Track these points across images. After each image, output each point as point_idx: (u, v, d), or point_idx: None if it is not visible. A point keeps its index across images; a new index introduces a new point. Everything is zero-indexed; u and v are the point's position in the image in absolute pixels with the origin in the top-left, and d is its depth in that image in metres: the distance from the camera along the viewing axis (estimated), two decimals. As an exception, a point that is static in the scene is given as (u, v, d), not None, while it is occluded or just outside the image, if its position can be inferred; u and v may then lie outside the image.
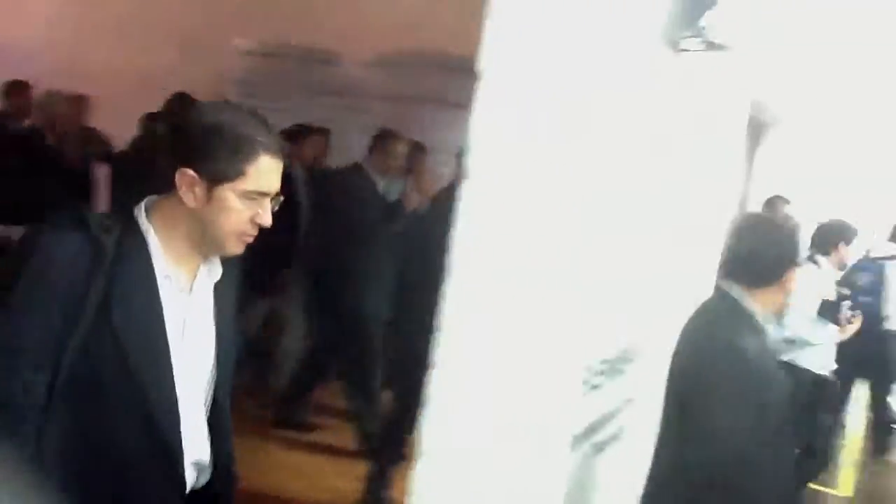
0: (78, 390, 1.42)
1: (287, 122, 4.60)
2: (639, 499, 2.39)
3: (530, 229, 1.97)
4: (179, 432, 1.53)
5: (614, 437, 2.78)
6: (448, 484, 2.01)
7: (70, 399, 1.42)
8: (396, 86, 5.69)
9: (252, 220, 1.53)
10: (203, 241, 1.56)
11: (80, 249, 1.43)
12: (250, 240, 1.57)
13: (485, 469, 1.98)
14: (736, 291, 2.26)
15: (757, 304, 2.24)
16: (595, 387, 2.46)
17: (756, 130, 5.50)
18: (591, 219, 2.22)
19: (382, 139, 4.31)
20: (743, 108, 3.56)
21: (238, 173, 1.50)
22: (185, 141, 1.52)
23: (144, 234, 1.52)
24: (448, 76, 4.72)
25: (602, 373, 2.49)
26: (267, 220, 1.55)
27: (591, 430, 2.57)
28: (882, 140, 7.28)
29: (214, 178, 1.50)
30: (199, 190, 1.50)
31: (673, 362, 2.36)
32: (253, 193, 1.52)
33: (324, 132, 5.10)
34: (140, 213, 1.54)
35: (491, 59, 1.96)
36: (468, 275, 2.03)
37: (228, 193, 1.50)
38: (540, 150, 1.93)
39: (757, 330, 2.25)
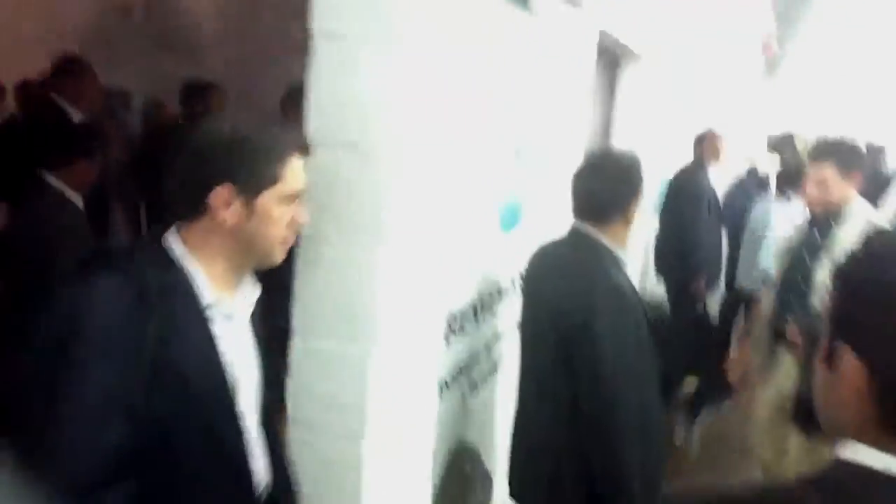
0: (147, 435, 1.34)
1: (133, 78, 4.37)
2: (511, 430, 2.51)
3: (382, 178, 1.98)
4: (250, 461, 1.51)
5: (491, 372, 2.91)
6: (318, 436, 2.05)
7: (142, 446, 1.34)
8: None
9: (291, 224, 1.49)
10: (246, 258, 1.49)
11: (129, 294, 1.33)
12: (290, 244, 1.52)
13: (356, 424, 2.03)
14: (590, 229, 2.36)
15: (608, 239, 2.36)
16: (461, 330, 2.56)
17: (614, 66, 5.64)
18: (447, 162, 2.28)
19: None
20: (592, 45, 3.68)
21: (275, 178, 1.44)
22: (215, 159, 1.42)
23: (181, 263, 1.43)
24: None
25: (464, 319, 2.58)
26: (305, 218, 1.52)
27: (467, 368, 2.68)
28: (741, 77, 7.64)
29: (253, 189, 1.43)
30: (238, 205, 1.42)
31: (538, 298, 2.44)
32: (290, 195, 1.47)
33: (219, 87, 4.76)
34: (175, 242, 1.45)
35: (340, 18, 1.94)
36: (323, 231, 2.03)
37: (269, 201, 1.44)
38: (391, 104, 1.93)
39: (620, 264, 2.38)
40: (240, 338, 1.53)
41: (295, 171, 1.48)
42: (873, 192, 5.17)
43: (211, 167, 1.41)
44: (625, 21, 4.41)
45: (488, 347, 2.85)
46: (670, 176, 6.35)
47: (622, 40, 4.72)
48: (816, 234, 3.18)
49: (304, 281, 2.04)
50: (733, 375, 3.38)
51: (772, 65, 10.23)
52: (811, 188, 3.15)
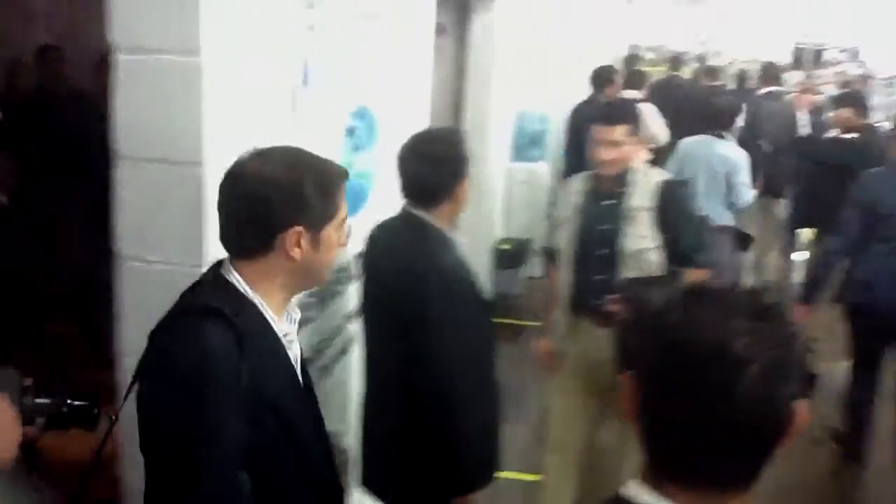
0: (256, 471, 1.42)
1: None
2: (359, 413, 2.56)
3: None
4: (340, 478, 1.67)
5: (341, 355, 2.93)
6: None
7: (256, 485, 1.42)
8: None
9: (340, 245, 1.58)
10: (304, 285, 1.60)
11: (232, 337, 1.38)
12: None
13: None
14: (419, 211, 2.36)
15: (439, 220, 2.37)
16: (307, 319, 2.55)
17: (465, 10, 5.62)
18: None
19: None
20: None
21: (336, 209, 1.54)
22: (284, 206, 1.47)
23: (251, 298, 1.49)
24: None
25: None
26: (347, 238, 1.61)
27: (316, 353, 2.69)
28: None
29: (319, 225, 1.50)
30: (305, 241, 1.48)
31: (373, 280, 2.46)
32: (344, 220, 1.56)
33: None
34: (238, 279, 1.50)
35: None
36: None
37: (331, 232, 1.53)
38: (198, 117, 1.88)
39: (451, 245, 2.42)
40: (297, 357, 1.62)
41: (344, 195, 1.57)
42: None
43: (280, 214, 1.47)
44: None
45: (338, 330, 2.86)
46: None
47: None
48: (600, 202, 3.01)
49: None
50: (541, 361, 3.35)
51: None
52: (608, 151, 2.91)
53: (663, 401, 1.07)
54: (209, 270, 1.55)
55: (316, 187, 1.49)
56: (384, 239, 2.46)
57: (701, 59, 15.51)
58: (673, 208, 2.96)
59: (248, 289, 1.49)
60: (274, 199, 1.48)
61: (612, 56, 11.65)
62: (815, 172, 5.88)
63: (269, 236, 1.48)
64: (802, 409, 1.07)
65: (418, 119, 3.63)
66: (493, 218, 6.12)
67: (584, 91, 6.57)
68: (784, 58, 21.81)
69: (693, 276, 2.89)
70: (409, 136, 2.45)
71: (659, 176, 3.08)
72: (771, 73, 8.15)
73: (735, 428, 1.03)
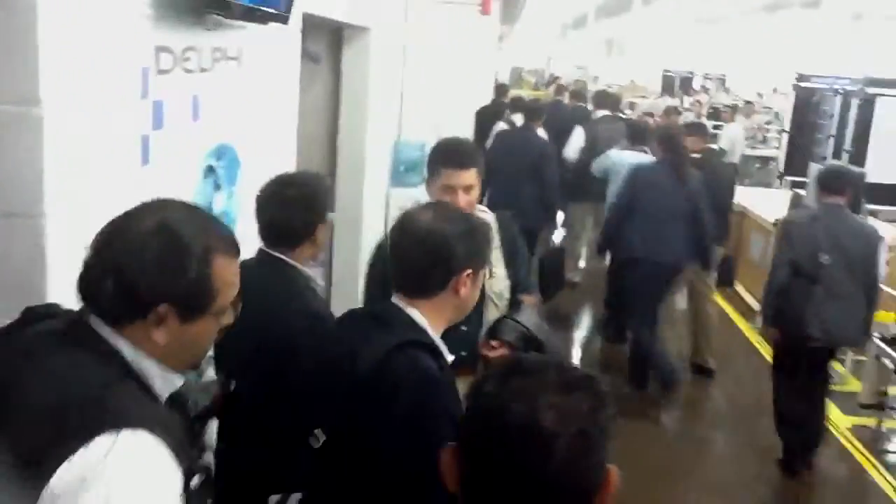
0: None
1: None
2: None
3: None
4: None
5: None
6: None
7: None
8: None
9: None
10: (456, 319, 1.93)
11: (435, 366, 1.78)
12: None
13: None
14: (278, 253, 2.42)
15: (298, 260, 2.43)
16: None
17: (338, 39, 5.67)
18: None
19: None
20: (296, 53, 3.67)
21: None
22: (473, 248, 1.87)
23: (425, 330, 1.82)
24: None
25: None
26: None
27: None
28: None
29: (480, 266, 1.93)
30: (470, 281, 1.87)
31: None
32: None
33: None
34: (417, 315, 1.84)
35: None
36: None
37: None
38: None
39: (312, 283, 2.46)
40: None
41: None
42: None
43: (458, 259, 1.86)
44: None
45: (199, 374, 2.83)
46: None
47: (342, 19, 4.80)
48: None
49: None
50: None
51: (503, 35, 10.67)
52: (463, 197, 2.66)
53: (481, 474, 1.11)
54: (383, 306, 1.90)
55: (482, 236, 1.90)
56: (244, 282, 2.46)
57: (578, 83, 16.14)
58: (514, 243, 2.97)
59: (425, 323, 1.81)
60: (454, 246, 1.82)
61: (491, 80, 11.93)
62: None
63: (447, 278, 1.82)
64: (614, 472, 1.13)
65: (284, 157, 3.66)
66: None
67: (463, 116, 6.76)
68: (655, 84, 23.01)
69: (528, 300, 2.95)
70: (268, 180, 2.49)
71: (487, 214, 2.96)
72: (602, 99, 9.39)
73: (550, 500, 1.07)
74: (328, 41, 5.76)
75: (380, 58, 5.96)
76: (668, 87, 20.99)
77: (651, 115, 10.47)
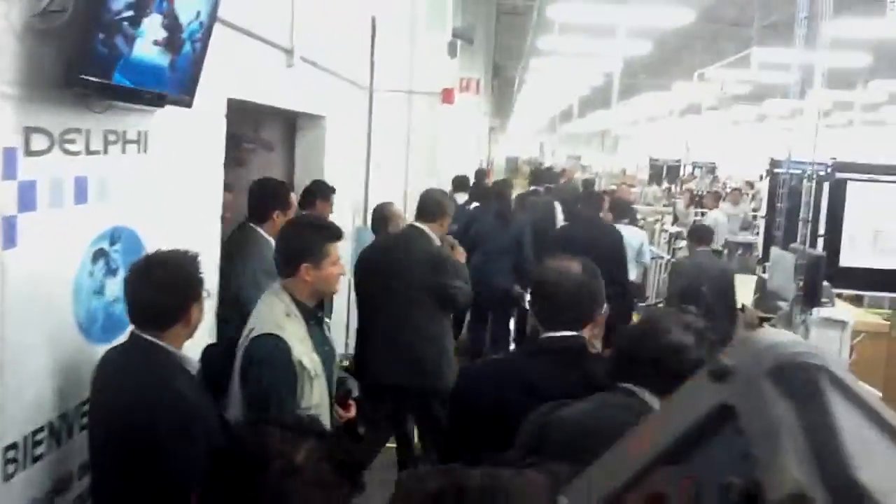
0: None
1: None
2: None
3: None
4: None
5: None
6: None
7: None
8: None
9: None
10: None
11: None
12: None
13: None
14: (149, 336, 2.33)
15: (170, 342, 2.35)
16: (32, 459, 2.40)
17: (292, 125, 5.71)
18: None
19: None
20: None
21: None
22: None
23: None
24: None
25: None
26: None
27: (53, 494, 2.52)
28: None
29: None
30: None
31: (100, 409, 2.37)
32: None
33: None
34: None
35: None
36: None
37: None
38: None
39: (186, 365, 2.37)
40: None
41: None
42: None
43: None
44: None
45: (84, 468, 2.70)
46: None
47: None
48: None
49: None
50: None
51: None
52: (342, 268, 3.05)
53: None
54: None
55: None
56: (112, 365, 2.39)
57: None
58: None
59: None
60: None
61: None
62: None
63: None
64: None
65: (207, 240, 3.60)
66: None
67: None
68: (644, 172, 23.29)
69: None
70: (137, 260, 2.42)
71: None
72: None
73: None
74: (283, 129, 5.81)
75: (339, 145, 5.98)
76: (656, 175, 21.20)
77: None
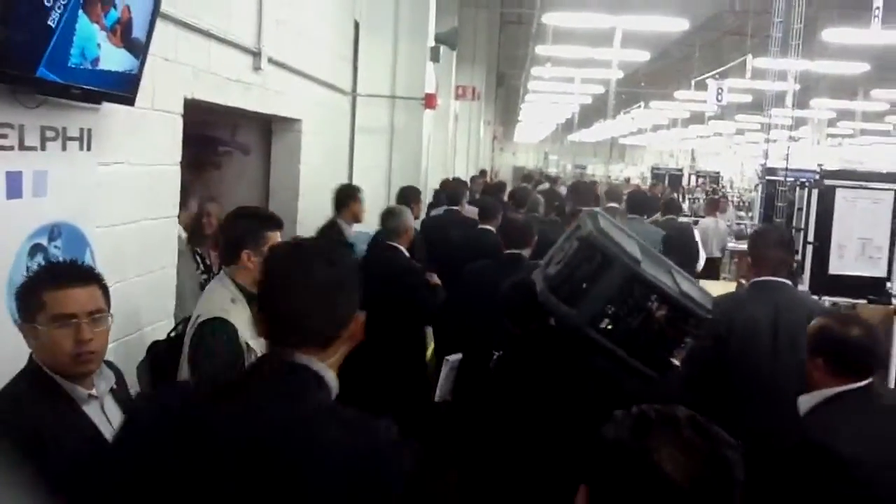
0: None
1: None
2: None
3: None
4: None
5: None
6: None
7: None
8: None
9: None
10: None
11: None
12: None
13: None
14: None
15: None
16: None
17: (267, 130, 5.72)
18: None
19: None
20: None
21: None
22: None
23: None
24: None
25: None
26: None
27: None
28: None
29: None
30: None
31: None
32: None
33: None
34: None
35: None
36: None
37: None
38: None
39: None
40: None
41: None
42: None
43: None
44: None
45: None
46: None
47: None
48: None
49: None
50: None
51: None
52: None
53: None
54: None
55: None
56: None
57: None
58: None
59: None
60: None
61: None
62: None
63: None
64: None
65: (164, 241, 3.62)
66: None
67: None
68: (646, 181, 23.26)
69: None
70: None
71: None
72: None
73: None
74: (260, 132, 5.83)
75: (317, 149, 6.00)
76: (658, 184, 21.13)
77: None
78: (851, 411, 2.47)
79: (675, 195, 13.71)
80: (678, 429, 1.18)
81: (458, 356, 4.05)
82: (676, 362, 3.04)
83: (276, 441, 1.42)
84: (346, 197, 5.20)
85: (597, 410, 1.55)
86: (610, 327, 2.85)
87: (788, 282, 3.34)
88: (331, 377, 1.52)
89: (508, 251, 4.28)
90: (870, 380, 2.52)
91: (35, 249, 2.71)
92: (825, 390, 2.53)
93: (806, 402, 2.57)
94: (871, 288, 8.03)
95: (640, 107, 25.41)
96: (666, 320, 2.86)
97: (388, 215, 4.78)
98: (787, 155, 8.66)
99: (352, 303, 1.58)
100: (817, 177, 9.13)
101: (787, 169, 10.62)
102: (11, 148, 2.54)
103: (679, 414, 1.22)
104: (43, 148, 2.69)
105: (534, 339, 3.05)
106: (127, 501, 1.44)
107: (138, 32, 2.81)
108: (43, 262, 2.74)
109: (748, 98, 20.02)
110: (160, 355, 3.02)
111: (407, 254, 4.67)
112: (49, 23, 2.28)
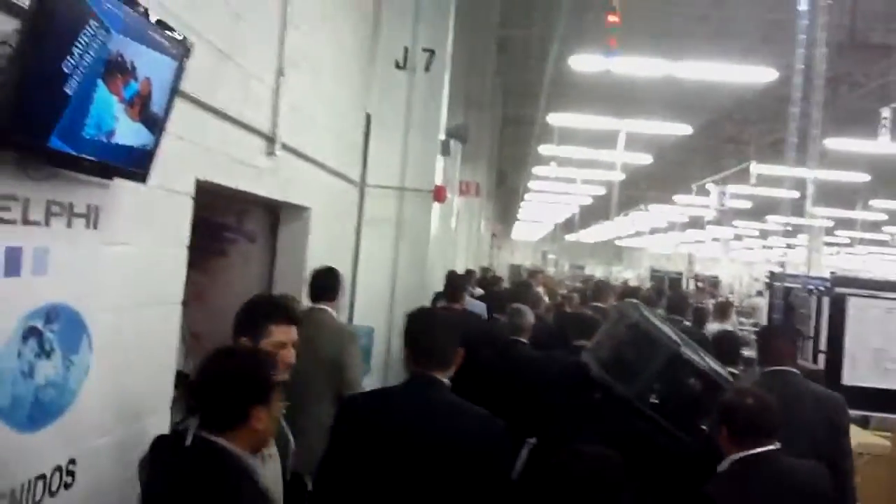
0: None
1: None
2: None
3: None
4: None
5: None
6: None
7: None
8: None
9: None
10: None
11: None
12: None
13: None
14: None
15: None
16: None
17: (275, 216, 5.60)
18: None
19: None
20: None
21: None
22: None
23: None
24: None
25: None
26: None
27: None
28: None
29: None
30: None
31: None
32: None
33: None
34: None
35: None
36: None
37: None
38: None
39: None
40: None
41: None
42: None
43: None
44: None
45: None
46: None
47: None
48: None
49: None
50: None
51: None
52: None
53: None
54: None
55: None
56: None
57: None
58: None
59: None
60: None
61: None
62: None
63: None
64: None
65: (166, 328, 3.42)
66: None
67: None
68: (645, 282, 23.22)
69: None
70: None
71: None
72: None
73: None
74: (267, 220, 5.69)
75: (324, 238, 5.85)
76: (657, 286, 21.06)
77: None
78: (747, 478, 2.82)
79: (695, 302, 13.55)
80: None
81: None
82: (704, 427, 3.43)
83: (429, 418, 2.65)
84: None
85: (636, 465, 2.19)
86: (655, 401, 3.29)
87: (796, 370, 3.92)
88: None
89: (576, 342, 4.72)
90: (771, 447, 2.82)
91: (30, 333, 2.50)
92: (732, 456, 2.88)
93: (721, 468, 2.92)
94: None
95: (641, 209, 25.61)
96: (700, 391, 3.29)
97: (515, 313, 5.54)
98: (806, 261, 8.55)
99: (458, 342, 2.78)
100: (828, 284, 9.03)
101: (794, 275, 10.52)
102: (14, 222, 2.36)
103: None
104: (47, 223, 2.52)
105: (585, 410, 3.47)
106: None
107: (156, 107, 2.68)
108: (37, 348, 2.54)
109: (748, 204, 20.20)
110: (162, 448, 2.78)
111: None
112: (66, 90, 2.14)
